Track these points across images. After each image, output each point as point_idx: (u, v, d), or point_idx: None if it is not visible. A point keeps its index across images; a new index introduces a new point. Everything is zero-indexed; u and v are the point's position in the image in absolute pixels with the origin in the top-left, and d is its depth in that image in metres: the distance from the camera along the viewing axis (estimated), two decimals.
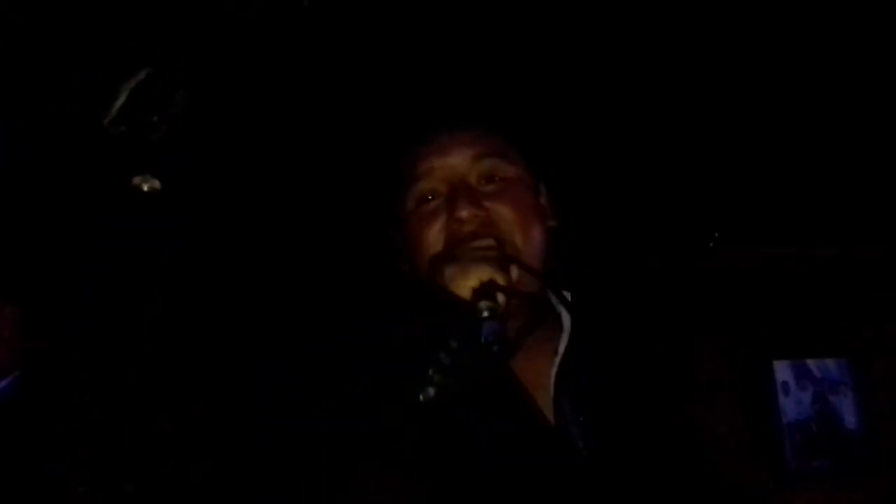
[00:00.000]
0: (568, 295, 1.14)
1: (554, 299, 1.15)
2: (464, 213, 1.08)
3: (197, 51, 1.54)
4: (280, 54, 1.79)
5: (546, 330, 1.13)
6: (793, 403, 3.35)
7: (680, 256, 3.00)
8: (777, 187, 2.71)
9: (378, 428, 0.97)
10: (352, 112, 2.00)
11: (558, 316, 1.15)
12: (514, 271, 1.03)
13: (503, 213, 1.10)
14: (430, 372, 0.88)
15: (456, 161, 1.13)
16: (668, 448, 1.10)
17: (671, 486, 1.07)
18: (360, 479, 0.97)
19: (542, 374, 1.10)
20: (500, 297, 0.95)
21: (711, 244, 2.88)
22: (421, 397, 0.87)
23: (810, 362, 3.42)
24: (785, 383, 3.37)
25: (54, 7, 1.79)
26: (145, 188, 0.97)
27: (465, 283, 0.96)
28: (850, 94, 2.26)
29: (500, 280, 0.97)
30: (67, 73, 1.82)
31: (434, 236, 1.12)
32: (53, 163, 1.84)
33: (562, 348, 1.10)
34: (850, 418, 3.40)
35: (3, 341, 1.39)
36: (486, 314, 0.91)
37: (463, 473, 1.00)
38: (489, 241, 1.07)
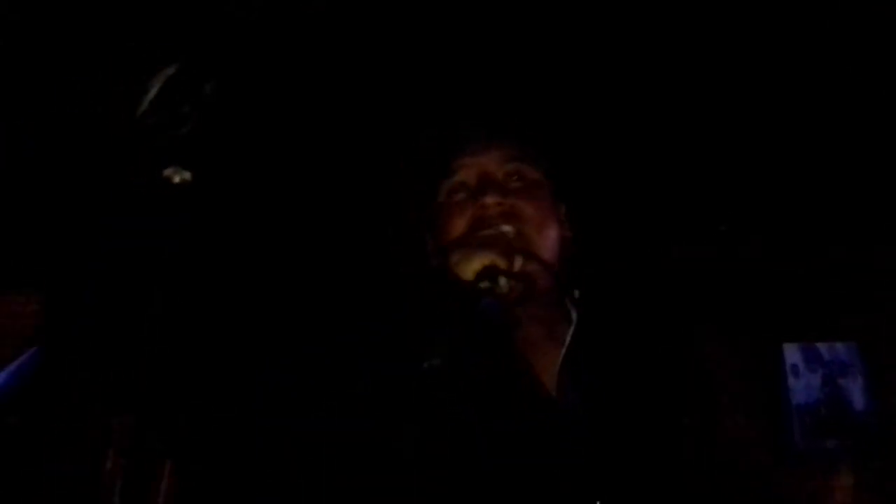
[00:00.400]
0: (577, 293, 1.18)
1: (565, 297, 1.21)
2: (489, 200, 1.15)
3: (217, 45, 1.57)
4: (293, 55, 1.79)
5: (557, 324, 1.18)
6: (802, 386, 3.36)
7: (689, 243, 3.00)
8: (791, 180, 2.70)
9: (378, 428, 0.97)
10: (368, 112, 2.01)
11: (569, 312, 1.20)
12: (519, 261, 1.09)
13: (525, 208, 1.17)
14: (435, 343, 0.94)
15: (486, 160, 1.21)
16: (671, 433, 1.12)
17: (672, 469, 1.08)
18: (361, 479, 0.97)
19: (550, 364, 1.13)
20: (503, 281, 1.02)
21: (722, 228, 2.88)
22: (426, 365, 0.91)
23: (820, 345, 3.43)
24: (794, 366, 3.38)
25: (54, 7, 1.79)
26: (176, 180, 0.99)
27: (470, 266, 1.04)
28: (867, 93, 2.26)
29: (502, 265, 1.04)
30: (67, 73, 1.82)
31: (461, 225, 1.19)
32: (53, 163, 1.84)
33: (568, 339, 1.15)
34: (858, 401, 3.41)
35: (15, 334, 1.38)
36: (484, 291, 0.99)
37: (462, 471, 1.00)
38: (506, 229, 1.14)
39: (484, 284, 1.01)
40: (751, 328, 3.29)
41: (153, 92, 0.98)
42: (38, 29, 1.81)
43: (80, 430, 1.29)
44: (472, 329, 0.97)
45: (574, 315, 1.19)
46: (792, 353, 3.38)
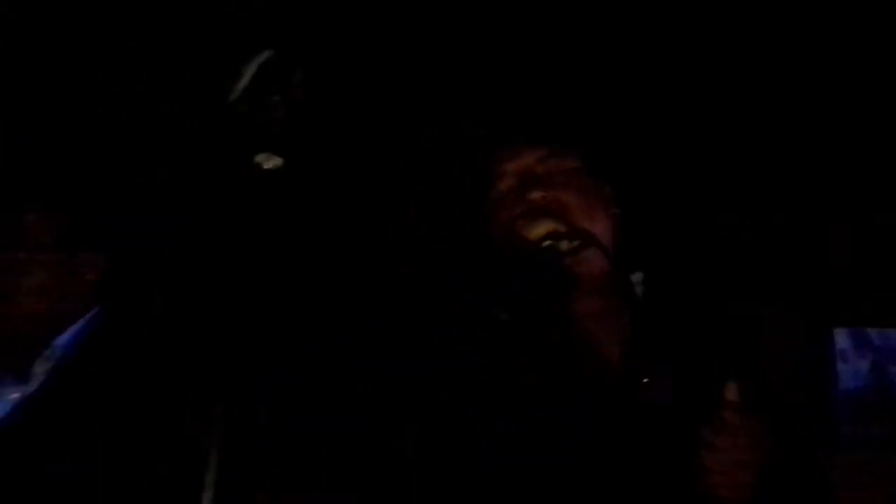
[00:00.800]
0: (638, 275, 1.25)
1: (629, 278, 1.26)
2: (534, 195, 1.18)
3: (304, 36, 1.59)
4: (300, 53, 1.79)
5: (616, 304, 1.21)
6: (850, 371, 3.32)
7: (741, 225, 2.98)
8: (848, 164, 2.66)
9: (378, 428, 0.98)
10: (370, 112, 2.01)
11: (632, 293, 1.25)
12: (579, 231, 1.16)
13: (568, 197, 1.20)
14: (504, 298, 1.02)
15: (525, 161, 1.24)
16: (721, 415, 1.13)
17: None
18: (361, 479, 0.97)
19: (610, 341, 1.16)
20: (564, 243, 1.11)
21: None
22: (498, 316, 1.00)
23: (870, 331, 3.38)
24: (843, 350, 3.34)
25: (54, 7, 1.79)
26: (268, 166, 1.01)
27: (534, 230, 1.12)
28: None
29: (563, 230, 1.12)
30: (67, 73, 1.82)
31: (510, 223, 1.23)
32: (53, 163, 1.84)
33: (631, 320, 1.19)
34: None
35: (79, 291, 1.39)
36: (547, 249, 1.10)
37: (463, 472, 1.01)
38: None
39: (547, 244, 1.09)
40: (802, 311, 3.23)
41: (246, 80, 0.99)
42: (38, 29, 1.81)
43: (80, 431, 1.30)
44: (536, 286, 1.05)
45: (638, 295, 1.25)
46: (841, 338, 3.32)
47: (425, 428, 0.97)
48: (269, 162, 1.03)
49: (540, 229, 1.12)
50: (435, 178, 1.42)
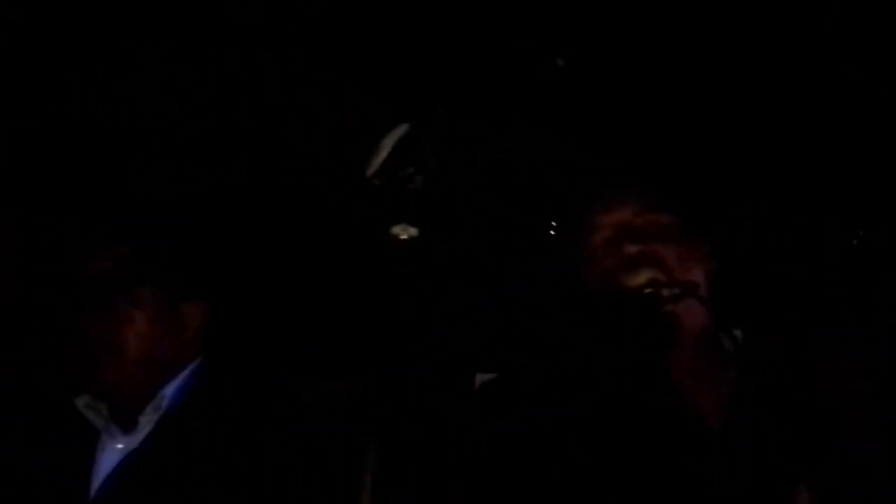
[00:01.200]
0: (737, 333, 1.24)
1: (724, 338, 1.25)
2: (630, 249, 1.18)
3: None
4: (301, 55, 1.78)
5: (720, 363, 1.21)
6: None
7: (824, 258, 2.95)
8: None
9: (379, 428, 0.98)
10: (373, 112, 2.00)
11: (728, 350, 1.24)
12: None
13: (665, 252, 1.19)
14: (605, 346, 1.06)
15: (621, 215, 1.25)
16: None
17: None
18: (361, 479, 0.98)
19: (711, 400, 1.16)
20: (666, 290, 1.12)
21: (854, 242, 2.80)
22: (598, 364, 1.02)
23: None
24: None
25: (54, 7, 1.79)
26: (404, 237, 1.05)
27: (635, 279, 1.12)
28: None
29: (663, 278, 1.12)
30: (67, 73, 1.82)
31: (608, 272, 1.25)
32: (53, 163, 1.84)
33: (731, 376, 1.18)
34: None
35: (184, 341, 1.39)
36: (648, 296, 1.12)
37: (463, 472, 1.01)
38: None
39: (648, 290, 1.10)
40: (883, 350, 3.18)
41: (383, 154, 1.02)
42: (38, 29, 1.81)
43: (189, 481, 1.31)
44: (637, 333, 1.08)
45: (734, 352, 1.23)
46: None
47: (425, 428, 0.98)
48: (405, 233, 1.07)
49: (640, 278, 1.12)
50: (435, 178, 1.42)
